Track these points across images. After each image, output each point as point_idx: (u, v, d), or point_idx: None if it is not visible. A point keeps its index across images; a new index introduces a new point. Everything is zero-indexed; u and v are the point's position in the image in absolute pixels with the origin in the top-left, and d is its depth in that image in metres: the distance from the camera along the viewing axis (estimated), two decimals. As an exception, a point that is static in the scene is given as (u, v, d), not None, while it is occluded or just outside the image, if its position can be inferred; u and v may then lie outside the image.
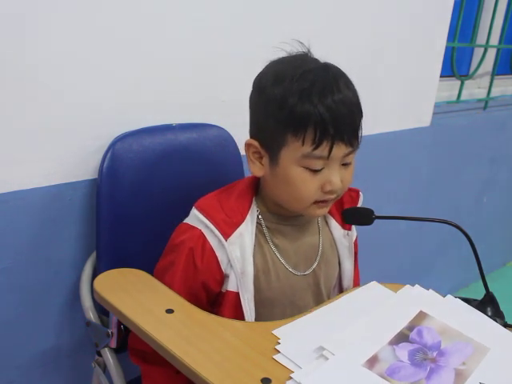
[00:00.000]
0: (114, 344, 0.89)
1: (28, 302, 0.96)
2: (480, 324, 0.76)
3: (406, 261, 2.00)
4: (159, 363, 0.76)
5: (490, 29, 1.98)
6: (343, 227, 0.94)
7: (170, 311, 0.72)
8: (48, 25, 0.85)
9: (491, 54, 2.07)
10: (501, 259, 2.65)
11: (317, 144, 0.74)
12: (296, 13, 1.22)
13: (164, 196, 0.98)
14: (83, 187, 0.97)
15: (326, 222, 0.94)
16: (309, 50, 0.82)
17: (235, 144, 1.08)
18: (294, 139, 0.75)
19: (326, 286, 0.92)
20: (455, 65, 1.91)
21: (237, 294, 0.82)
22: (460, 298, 0.82)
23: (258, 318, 0.84)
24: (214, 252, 0.81)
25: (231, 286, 0.82)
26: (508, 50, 2.25)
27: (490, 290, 0.83)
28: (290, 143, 0.76)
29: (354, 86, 0.79)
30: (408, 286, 0.83)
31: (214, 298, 0.85)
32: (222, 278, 0.83)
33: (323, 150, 0.74)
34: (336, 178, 0.77)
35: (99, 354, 0.92)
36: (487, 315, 0.78)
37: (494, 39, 2.06)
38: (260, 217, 0.86)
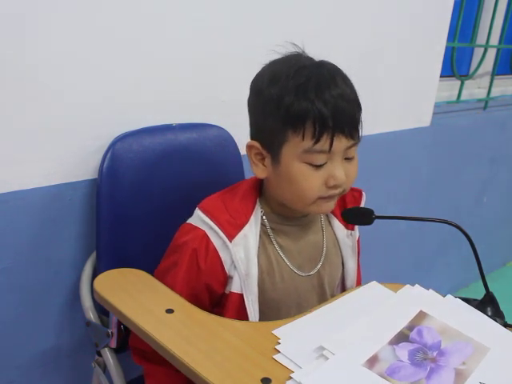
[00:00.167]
0: (114, 344, 0.89)
1: (28, 302, 0.96)
2: (480, 324, 0.76)
3: (406, 261, 2.00)
4: (161, 362, 0.75)
5: (490, 29, 1.98)
6: (346, 227, 0.94)
7: (169, 311, 0.71)
8: (48, 25, 0.85)
9: (491, 54, 2.07)
10: (501, 259, 2.65)
11: (317, 138, 0.74)
12: (296, 13, 1.22)
13: (164, 196, 0.98)
14: (83, 187, 0.97)
15: (329, 223, 0.94)
16: (303, 51, 0.82)
17: (235, 144, 1.08)
18: (294, 135, 0.75)
19: (330, 286, 0.92)
20: (455, 65, 1.91)
21: (241, 296, 0.81)
22: (460, 297, 0.82)
23: (263, 320, 0.83)
24: (217, 253, 0.80)
25: (235, 287, 0.81)
26: (508, 50, 2.25)
27: (490, 290, 0.83)
28: (291, 139, 0.76)
29: (351, 82, 0.79)
30: (408, 285, 0.83)
31: (217, 300, 0.84)
32: (226, 279, 0.82)
33: (324, 143, 0.74)
34: (340, 172, 0.77)
35: (99, 354, 0.92)
36: (487, 315, 0.78)
37: (494, 39, 2.06)
38: (264, 217, 0.85)
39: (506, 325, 0.78)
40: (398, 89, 1.62)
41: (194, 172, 1.02)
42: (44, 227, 0.94)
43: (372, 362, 0.64)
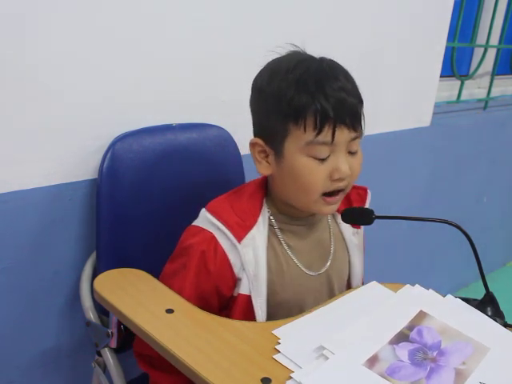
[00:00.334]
0: (114, 344, 0.89)
1: (28, 302, 0.96)
2: (480, 324, 0.76)
3: (406, 261, 2.00)
4: (167, 370, 0.74)
5: (490, 29, 1.98)
6: (352, 225, 0.93)
7: (169, 311, 0.71)
8: (48, 25, 0.85)
9: (491, 54, 2.07)
10: (501, 259, 2.65)
11: (319, 129, 0.74)
12: (296, 13, 1.22)
13: (164, 196, 0.98)
14: (83, 187, 0.97)
15: (336, 221, 0.93)
16: (303, 51, 0.82)
17: (235, 144, 1.08)
18: (296, 128, 0.75)
19: (339, 284, 0.92)
20: (455, 65, 1.91)
21: (248, 297, 0.80)
22: (460, 297, 0.82)
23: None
24: (226, 255, 0.79)
25: (243, 288, 0.81)
26: (508, 50, 2.25)
27: (490, 289, 0.83)
28: (293, 132, 0.75)
29: (352, 77, 0.79)
30: (408, 285, 0.83)
31: (225, 303, 0.83)
32: (235, 281, 0.81)
33: (326, 134, 0.74)
34: (344, 165, 0.76)
35: (99, 354, 0.92)
36: (487, 315, 0.78)
37: (494, 39, 2.06)
38: (272, 218, 0.85)
39: (506, 325, 0.78)
40: (398, 89, 1.62)
41: (194, 172, 1.02)
42: (44, 227, 0.94)
43: (372, 361, 0.64)
